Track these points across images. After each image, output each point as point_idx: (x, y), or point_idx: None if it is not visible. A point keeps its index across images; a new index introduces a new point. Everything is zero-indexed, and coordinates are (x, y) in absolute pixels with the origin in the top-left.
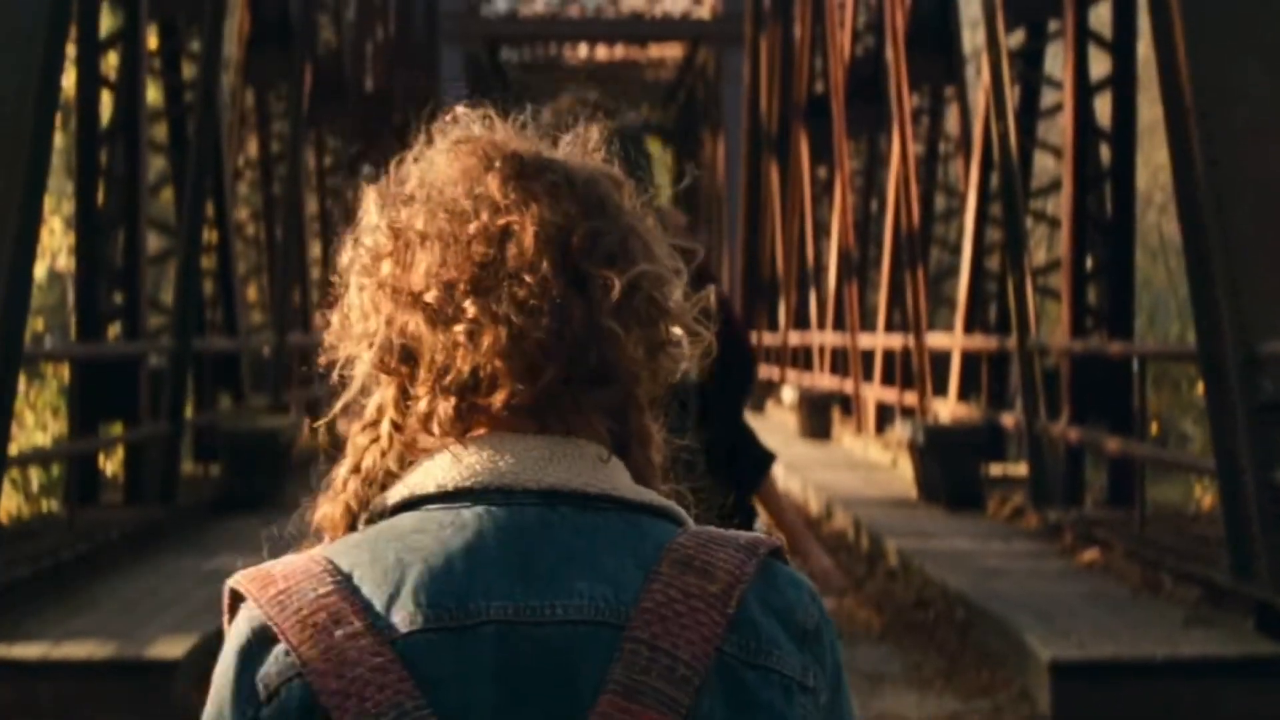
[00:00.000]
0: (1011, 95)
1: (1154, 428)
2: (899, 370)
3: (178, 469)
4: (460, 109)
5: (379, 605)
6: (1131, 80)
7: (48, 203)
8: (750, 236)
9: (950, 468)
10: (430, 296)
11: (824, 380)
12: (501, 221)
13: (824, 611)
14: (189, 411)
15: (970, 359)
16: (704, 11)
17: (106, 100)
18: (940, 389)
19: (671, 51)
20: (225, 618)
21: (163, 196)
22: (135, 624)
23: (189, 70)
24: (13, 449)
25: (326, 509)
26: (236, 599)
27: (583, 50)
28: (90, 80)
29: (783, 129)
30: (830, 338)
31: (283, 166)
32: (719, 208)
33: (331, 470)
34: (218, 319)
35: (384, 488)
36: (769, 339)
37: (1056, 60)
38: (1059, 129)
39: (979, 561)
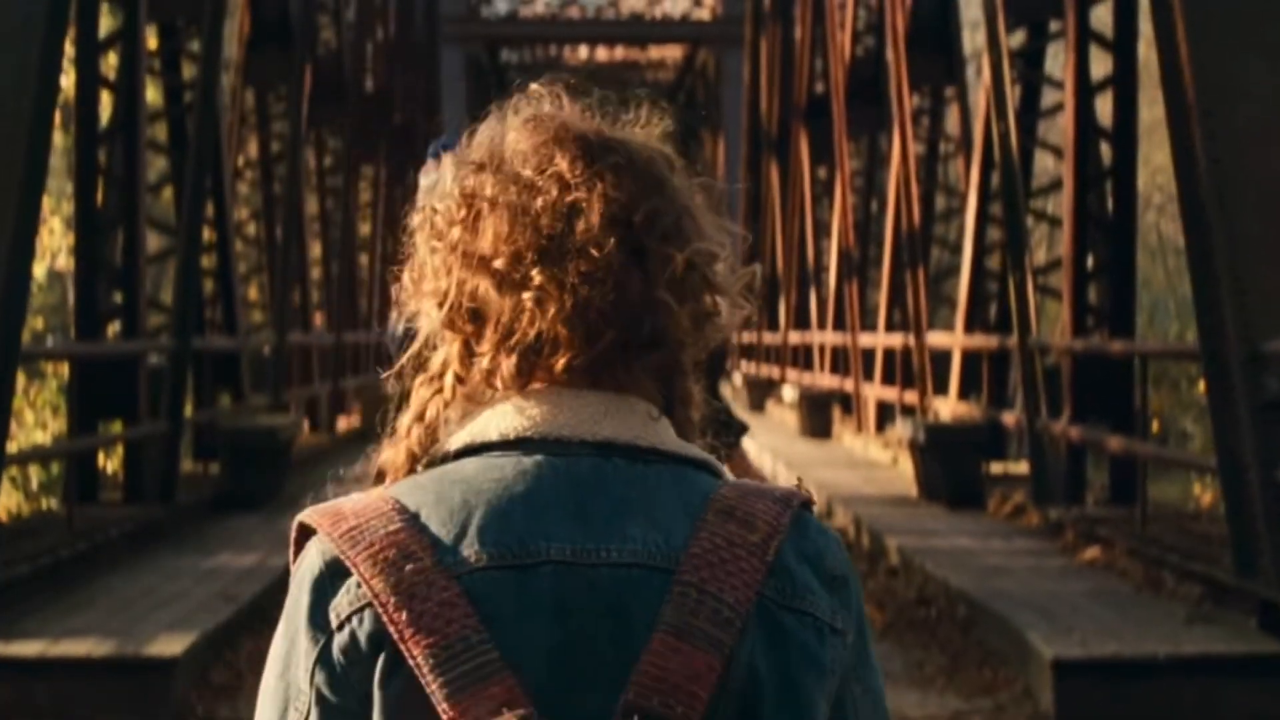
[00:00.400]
0: (1012, 95)
1: (1155, 426)
2: (899, 369)
3: (177, 468)
4: (534, 86)
5: (446, 542)
6: (1133, 79)
7: (48, 203)
8: (750, 236)
9: (951, 466)
10: (499, 263)
11: (824, 380)
12: (570, 198)
13: (849, 560)
14: (189, 410)
15: (971, 358)
16: (704, 13)
17: (106, 101)
18: (940, 388)
19: (671, 53)
20: (291, 551)
21: (164, 196)
22: (134, 622)
23: (189, 71)
24: (12, 447)
25: (389, 453)
26: (304, 534)
27: (583, 51)
28: (90, 80)
29: (783, 129)
30: (830, 337)
31: (283, 166)
32: (718, 208)
33: (394, 421)
34: (218, 318)
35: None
36: (769, 338)
37: (1056, 60)
38: (1058, 129)
39: (980, 559)
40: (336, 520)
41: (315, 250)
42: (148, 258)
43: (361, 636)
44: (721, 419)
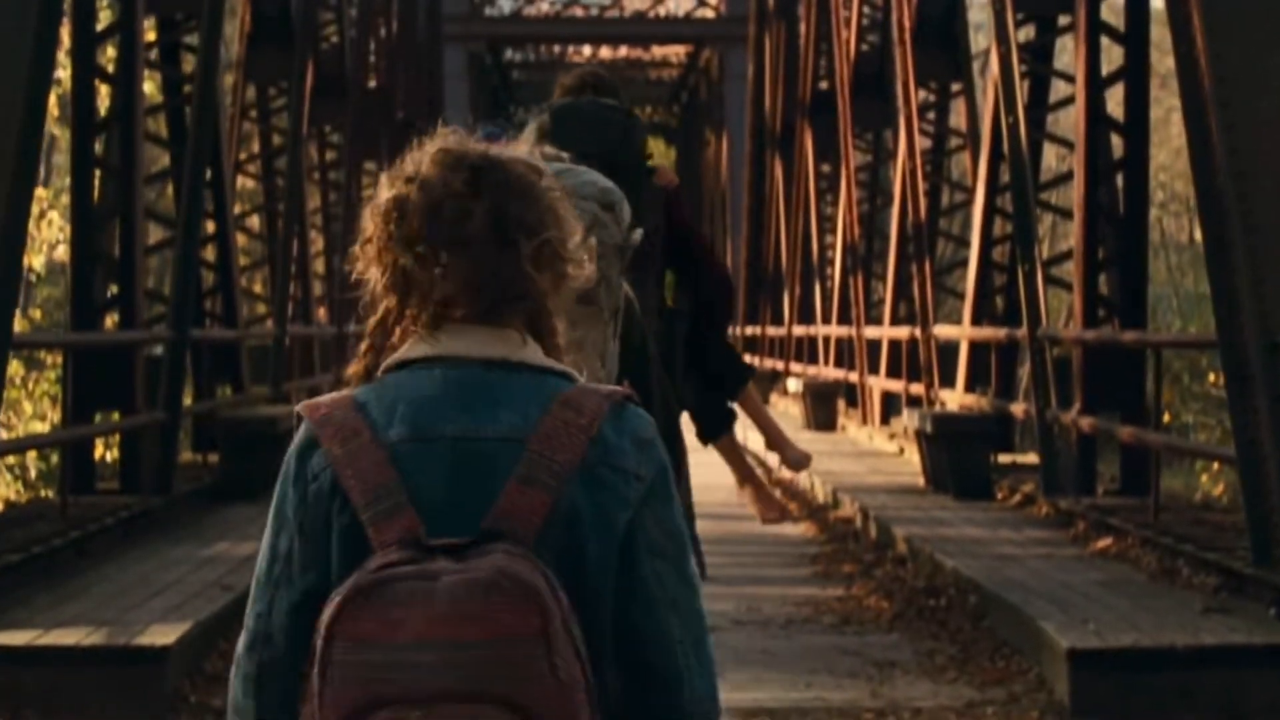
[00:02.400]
0: (1021, 89)
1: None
2: (905, 362)
3: (174, 457)
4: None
5: (380, 424)
6: (1144, 72)
7: (48, 195)
8: (754, 232)
9: (958, 456)
10: (420, 248)
11: (829, 372)
12: (463, 206)
13: (657, 432)
14: (188, 401)
15: (978, 351)
16: (707, 12)
17: (106, 94)
18: (946, 381)
19: (675, 51)
20: (296, 432)
21: (168, 192)
22: (127, 611)
23: (189, 65)
24: (9, 437)
25: (352, 368)
26: (299, 421)
27: (586, 50)
28: (86, 72)
29: (787, 125)
30: (835, 330)
31: (284, 161)
32: (722, 205)
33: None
34: (219, 310)
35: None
36: (773, 332)
37: (1063, 54)
38: (1063, 122)
39: (990, 549)
40: (314, 409)
41: (318, 245)
42: (147, 249)
43: (325, 486)
44: (729, 365)
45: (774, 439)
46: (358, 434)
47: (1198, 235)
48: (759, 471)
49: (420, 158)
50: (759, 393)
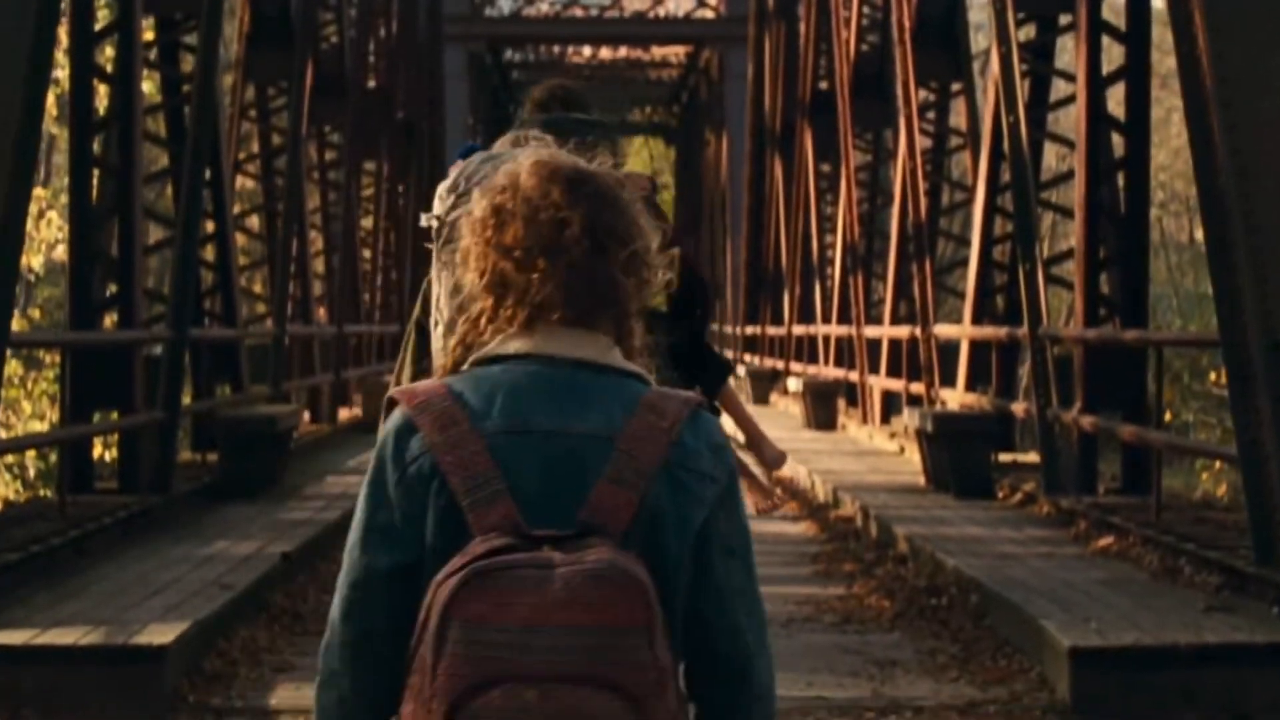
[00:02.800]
0: (1022, 88)
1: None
2: (905, 361)
3: (173, 457)
4: (534, 134)
5: (478, 414)
6: (1145, 71)
7: (47, 195)
8: (754, 231)
9: (959, 455)
10: (518, 254)
11: (829, 372)
12: (560, 215)
13: (726, 437)
14: (187, 401)
15: (978, 350)
16: (707, 13)
17: (104, 93)
18: (946, 380)
19: (675, 52)
20: (383, 415)
21: (168, 190)
22: (125, 610)
23: (189, 64)
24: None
25: (440, 360)
26: (391, 405)
27: (586, 50)
28: (84, 71)
29: (787, 125)
30: (835, 330)
31: (284, 160)
32: (722, 205)
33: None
34: (219, 310)
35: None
36: (773, 331)
37: (1063, 53)
38: (1063, 122)
39: (992, 547)
40: (411, 396)
41: (318, 244)
42: (146, 248)
43: (425, 468)
44: (709, 364)
45: (751, 437)
46: (456, 422)
47: (1198, 235)
48: (750, 462)
49: (516, 169)
50: (740, 391)
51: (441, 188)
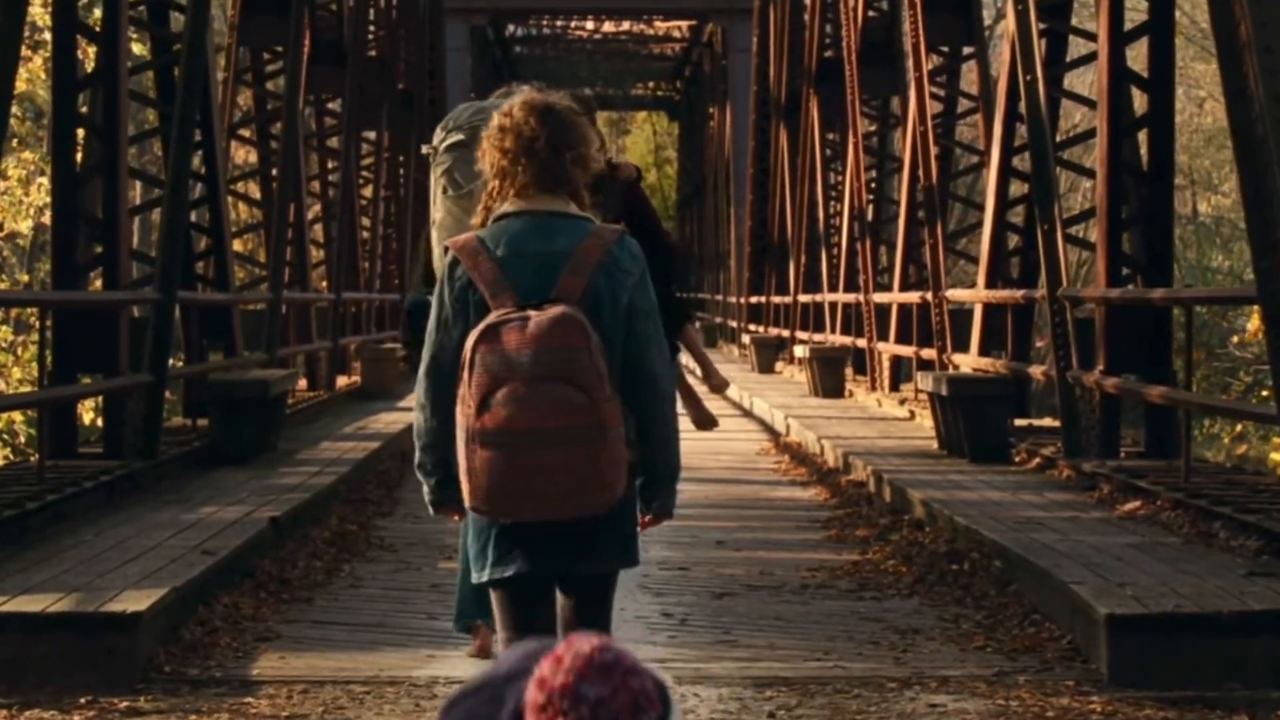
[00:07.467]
0: (1039, 46)
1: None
2: (915, 327)
3: (159, 421)
4: (522, 85)
5: (493, 248)
6: (1169, 26)
7: (36, 157)
8: (759, 202)
9: (975, 419)
10: (510, 155)
11: (836, 339)
12: (534, 133)
13: (640, 249)
14: (180, 365)
15: (992, 314)
16: None
17: (93, 55)
18: (959, 345)
19: (678, 26)
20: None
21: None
22: (100, 576)
23: (180, 25)
24: None
25: (475, 219)
26: (446, 250)
27: (589, 25)
28: (67, 29)
29: (792, 94)
30: (843, 297)
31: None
32: (725, 178)
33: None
34: (213, 274)
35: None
36: (778, 300)
37: (1080, 12)
38: (1078, 82)
39: (1013, 512)
40: (456, 244)
41: (316, 209)
42: (135, 208)
43: (465, 281)
44: (674, 309)
45: (704, 367)
46: (480, 254)
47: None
48: (696, 385)
49: (513, 104)
50: (699, 334)
51: (438, 126)
